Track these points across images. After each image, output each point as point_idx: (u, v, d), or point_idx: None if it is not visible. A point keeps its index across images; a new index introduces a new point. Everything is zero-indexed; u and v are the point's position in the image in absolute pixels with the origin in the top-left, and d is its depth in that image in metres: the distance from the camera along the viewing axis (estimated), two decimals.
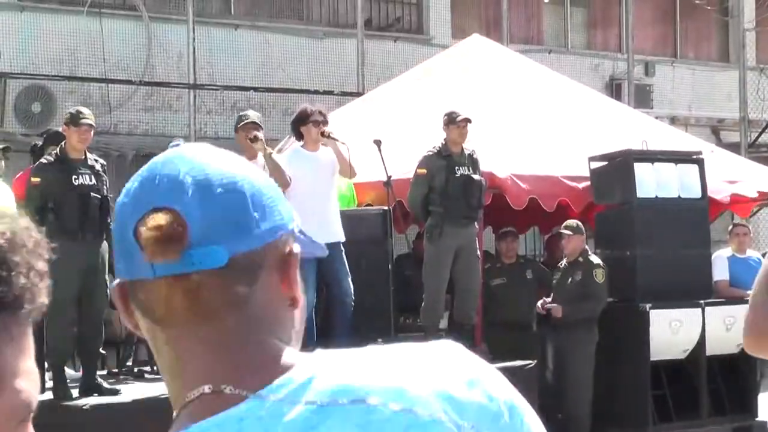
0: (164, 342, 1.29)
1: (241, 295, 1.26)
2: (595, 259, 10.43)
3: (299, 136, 9.54)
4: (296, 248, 1.31)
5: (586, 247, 10.60)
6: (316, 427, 1.22)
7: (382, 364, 1.26)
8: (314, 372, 1.25)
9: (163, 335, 1.28)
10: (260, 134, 9.27)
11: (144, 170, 1.31)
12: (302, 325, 1.34)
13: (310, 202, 9.04)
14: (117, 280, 1.33)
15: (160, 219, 1.24)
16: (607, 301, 10.34)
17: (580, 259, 10.43)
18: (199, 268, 1.24)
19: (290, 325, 1.31)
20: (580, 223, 10.53)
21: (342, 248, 9.14)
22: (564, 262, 10.66)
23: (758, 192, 12.30)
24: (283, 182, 8.99)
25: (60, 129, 9.15)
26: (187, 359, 1.27)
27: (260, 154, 9.08)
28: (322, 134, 9.39)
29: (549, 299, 10.54)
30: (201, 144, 1.35)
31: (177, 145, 1.32)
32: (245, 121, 9.54)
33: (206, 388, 1.25)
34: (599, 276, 10.30)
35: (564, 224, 10.60)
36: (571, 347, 10.35)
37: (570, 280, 10.45)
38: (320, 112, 9.55)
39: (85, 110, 8.65)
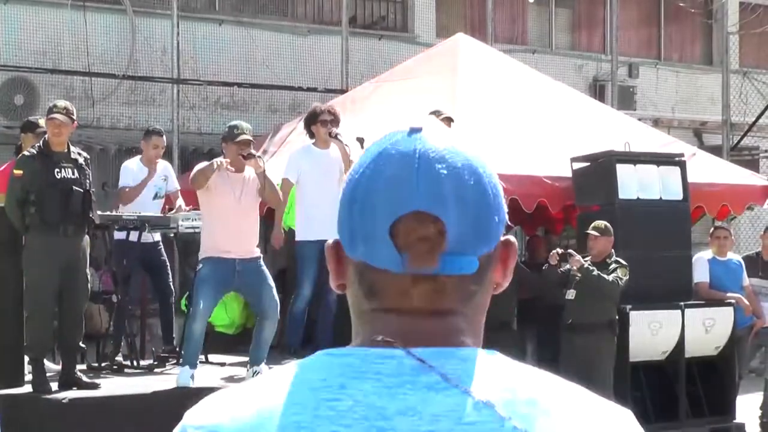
0: (369, 310, 1.34)
1: (473, 292, 1.32)
2: (623, 262, 10.24)
3: (311, 134, 9.62)
4: (513, 239, 1.36)
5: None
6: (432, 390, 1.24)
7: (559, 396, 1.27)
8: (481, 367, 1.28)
9: (372, 307, 1.33)
10: (254, 151, 9.24)
11: (391, 152, 1.30)
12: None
13: (318, 199, 9.13)
14: (332, 240, 1.37)
15: (428, 230, 1.26)
16: None
17: (608, 260, 10.28)
18: (450, 273, 1.28)
19: (484, 311, 1.36)
20: (608, 225, 10.25)
21: None
22: (588, 262, 10.40)
23: (737, 196, 12.35)
24: (276, 201, 9.03)
25: (35, 118, 9.37)
26: (383, 326, 1.31)
27: (247, 168, 8.96)
28: (330, 135, 9.41)
29: (560, 250, 10.42)
30: (441, 130, 1.34)
31: (419, 129, 1.29)
32: (239, 138, 8.83)
33: (379, 337, 1.30)
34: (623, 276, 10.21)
35: (592, 225, 10.31)
36: (597, 348, 10.16)
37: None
38: (329, 112, 9.57)
39: (60, 103, 8.55)
